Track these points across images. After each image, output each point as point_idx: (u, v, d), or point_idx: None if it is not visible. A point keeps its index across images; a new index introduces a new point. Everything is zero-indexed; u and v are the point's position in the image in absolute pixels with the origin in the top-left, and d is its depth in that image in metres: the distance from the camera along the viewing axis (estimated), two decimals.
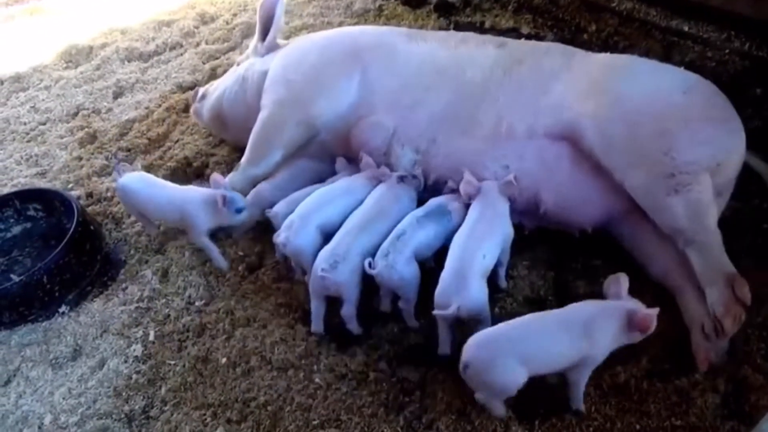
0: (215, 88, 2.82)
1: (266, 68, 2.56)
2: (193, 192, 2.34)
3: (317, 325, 2.06)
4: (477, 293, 1.86)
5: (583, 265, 2.23)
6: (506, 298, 2.11)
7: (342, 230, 2.08)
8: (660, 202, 1.93)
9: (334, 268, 1.96)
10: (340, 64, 2.42)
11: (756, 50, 2.99)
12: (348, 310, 2.02)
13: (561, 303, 2.09)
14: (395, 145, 2.31)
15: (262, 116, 2.45)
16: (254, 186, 2.45)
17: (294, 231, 2.09)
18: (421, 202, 2.22)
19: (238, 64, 2.79)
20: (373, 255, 2.00)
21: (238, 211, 2.25)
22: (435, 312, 1.85)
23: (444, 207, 2.12)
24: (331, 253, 1.99)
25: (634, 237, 2.13)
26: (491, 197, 2.05)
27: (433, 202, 2.15)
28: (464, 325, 1.90)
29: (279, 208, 2.27)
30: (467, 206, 2.10)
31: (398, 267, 1.95)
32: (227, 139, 2.93)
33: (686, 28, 3.20)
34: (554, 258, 2.25)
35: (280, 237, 2.10)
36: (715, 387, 1.75)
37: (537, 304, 2.11)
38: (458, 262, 1.90)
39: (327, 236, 2.11)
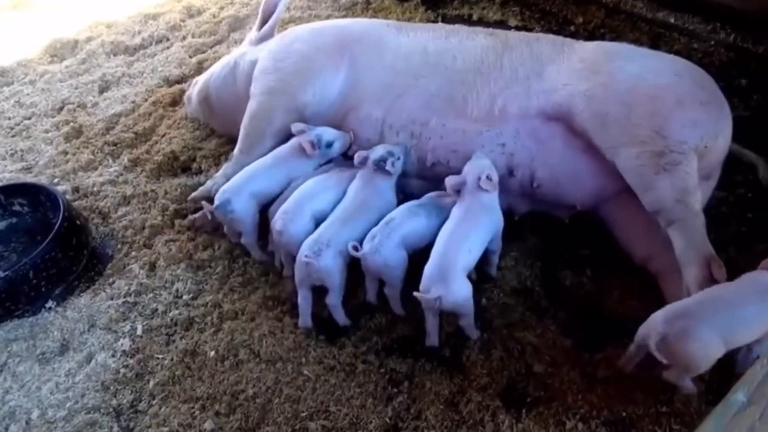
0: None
1: (257, 57, 2.57)
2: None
3: (305, 320, 2.06)
4: (459, 287, 1.87)
5: (570, 255, 2.24)
6: (493, 289, 2.12)
7: (327, 221, 2.08)
8: (648, 180, 1.96)
9: (318, 254, 1.96)
10: (328, 54, 2.43)
11: (741, 42, 3.02)
12: (333, 300, 2.03)
13: (548, 293, 2.12)
14: (388, 132, 2.32)
15: (251, 105, 2.46)
16: None
17: (289, 219, 2.08)
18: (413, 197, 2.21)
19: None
20: (360, 243, 2.00)
21: (329, 145, 2.28)
22: (415, 293, 1.85)
23: (439, 201, 2.12)
24: (315, 241, 1.99)
25: (620, 222, 2.16)
26: (476, 193, 2.04)
27: (428, 195, 2.16)
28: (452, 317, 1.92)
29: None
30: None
31: (384, 251, 1.95)
32: (213, 125, 2.93)
33: (672, 20, 3.23)
34: (541, 248, 2.27)
35: (276, 224, 2.09)
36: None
37: (524, 294, 2.12)
38: (442, 255, 1.91)
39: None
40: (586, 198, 2.18)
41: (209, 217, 2.29)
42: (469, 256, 1.94)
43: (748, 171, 2.32)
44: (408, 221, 2.03)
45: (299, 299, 2.05)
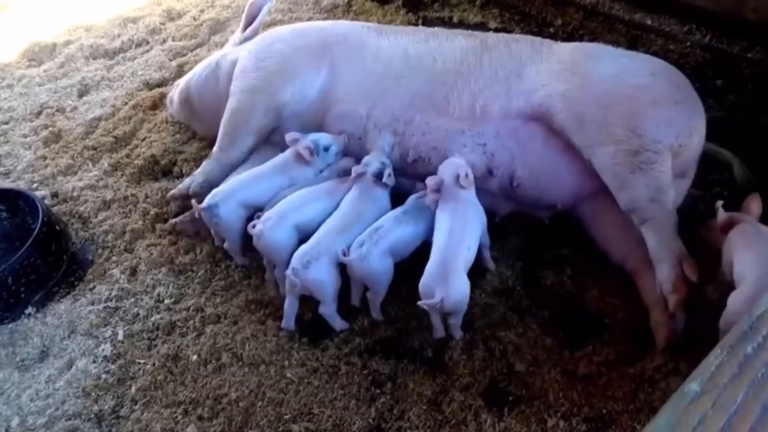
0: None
1: (238, 57, 2.57)
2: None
3: (288, 322, 2.06)
4: (461, 287, 1.88)
5: (550, 255, 2.26)
6: (475, 290, 2.12)
7: (320, 231, 2.06)
8: (623, 179, 1.99)
9: (306, 267, 1.94)
10: (309, 54, 2.44)
11: (716, 42, 3.07)
12: (326, 310, 2.02)
13: (529, 293, 2.14)
14: (371, 130, 2.33)
15: (231, 103, 2.46)
16: (229, 172, 2.44)
17: (269, 226, 2.06)
18: (396, 198, 2.23)
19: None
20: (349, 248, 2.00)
21: (327, 148, 2.28)
22: (420, 303, 1.85)
23: (423, 204, 2.12)
24: (304, 253, 1.98)
25: (597, 223, 2.20)
26: (455, 191, 2.06)
27: (411, 200, 2.16)
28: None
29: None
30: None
31: (371, 258, 1.95)
32: (194, 127, 2.92)
33: (649, 22, 3.27)
34: (522, 249, 2.29)
35: (255, 229, 2.07)
36: (678, 370, 1.80)
37: (506, 294, 2.14)
38: (442, 256, 1.91)
39: (304, 237, 2.09)
40: (565, 197, 2.21)
41: (197, 215, 2.26)
42: (468, 253, 1.96)
43: (724, 170, 2.36)
44: (396, 229, 2.03)
45: (285, 304, 2.05)
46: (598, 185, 2.09)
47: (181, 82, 2.89)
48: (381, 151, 2.27)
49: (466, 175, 2.04)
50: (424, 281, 1.89)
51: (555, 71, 2.19)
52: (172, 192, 2.49)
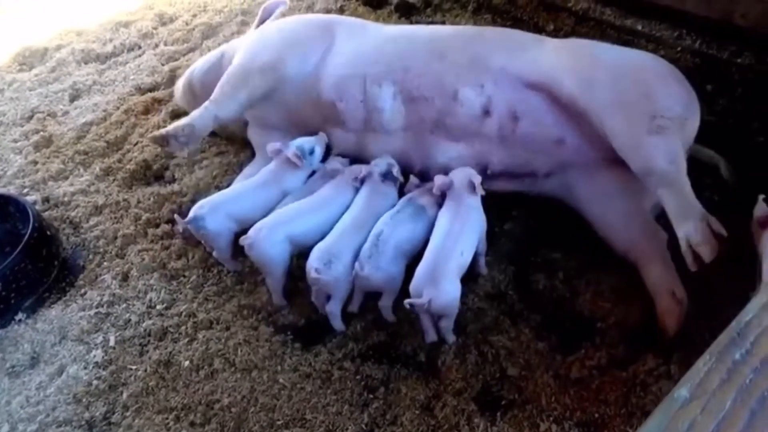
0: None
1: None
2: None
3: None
4: (450, 290, 1.88)
5: (542, 259, 2.26)
6: (467, 294, 2.12)
7: (336, 230, 2.06)
8: (640, 140, 1.98)
9: (329, 267, 1.95)
10: (313, 27, 2.55)
11: (706, 48, 3.08)
12: (334, 307, 2.02)
13: (521, 298, 2.15)
14: (371, 87, 2.33)
15: (231, 66, 2.49)
16: (215, 125, 2.45)
17: (261, 237, 2.05)
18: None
19: None
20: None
21: (312, 151, 2.29)
22: (407, 301, 1.85)
23: (415, 202, 2.13)
24: (326, 252, 1.97)
25: (601, 209, 2.18)
26: (462, 193, 2.07)
27: (403, 200, 2.16)
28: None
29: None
30: (438, 199, 2.13)
31: (383, 267, 1.95)
32: None
33: (640, 27, 3.29)
34: (514, 252, 2.29)
35: (246, 240, 2.06)
36: (669, 374, 1.80)
37: (498, 298, 2.14)
38: (434, 258, 1.92)
39: (297, 248, 2.11)
40: (563, 154, 2.21)
41: (180, 230, 2.27)
42: (461, 258, 1.96)
43: (715, 174, 2.37)
44: (396, 231, 2.02)
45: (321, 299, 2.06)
46: (596, 157, 2.15)
47: (187, 72, 2.91)
48: (387, 155, 2.30)
49: (478, 184, 2.09)
50: (415, 281, 1.89)
51: (558, 50, 2.26)
52: (153, 133, 2.43)
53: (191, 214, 2.17)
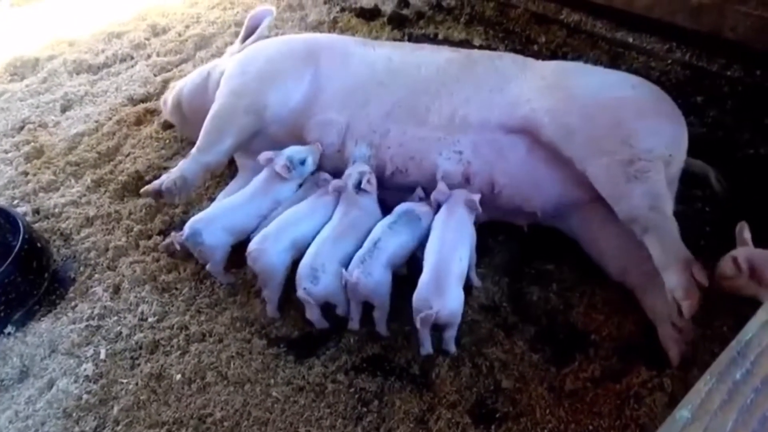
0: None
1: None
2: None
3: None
4: (456, 298, 1.88)
5: (536, 271, 2.27)
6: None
7: (315, 244, 2.06)
8: (620, 189, 1.97)
9: (316, 283, 1.96)
10: (293, 60, 2.47)
11: (696, 60, 3.12)
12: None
13: (515, 309, 2.14)
14: (348, 141, 2.33)
15: (214, 106, 2.45)
16: (206, 173, 2.43)
17: (266, 247, 2.04)
18: (382, 202, 2.24)
19: None
20: (346, 266, 1.99)
21: (303, 161, 2.27)
22: (418, 315, 1.83)
23: (413, 212, 2.13)
24: (309, 268, 1.98)
25: (594, 237, 2.18)
26: (457, 205, 2.09)
27: (401, 209, 2.16)
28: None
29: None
30: (435, 211, 2.14)
31: (375, 274, 1.95)
32: (184, 132, 2.93)
33: (631, 40, 3.33)
34: (508, 264, 2.29)
35: (252, 252, 2.05)
36: (662, 386, 1.80)
37: (492, 310, 2.14)
38: (436, 267, 1.92)
39: (298, 252, 2.10)
40: (547, 206, 2.21)
41: (177, 246, 2.27)
42: (461, 264, 1.97)
43: (706, 185, 2.39)
44: (393, 240, 2.03)
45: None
46: (584, 195, 2.11)
47: (177, 85, 2.90)
48: (361, 162, 2.28)
49: (476, 203, 2.11)
50: (419, 294, 1.87)
51: (538, 87, 2.22)
52: (145, 188, 2.41)
53: (187, 229, 2.16)
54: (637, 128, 2.03)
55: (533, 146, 2.17)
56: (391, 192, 2.30)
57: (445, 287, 1.87)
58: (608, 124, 2.05)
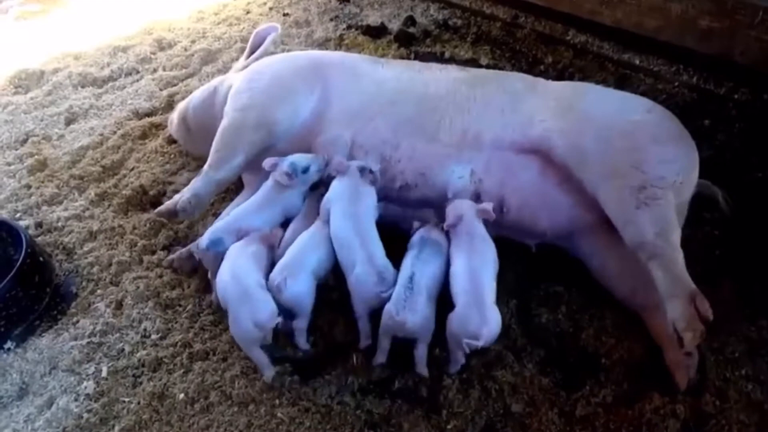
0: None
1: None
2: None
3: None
4: (497, 321, 1.86)
5: (545, 292, 2.24)
6: None
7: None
8: (629, 215, 1.96)
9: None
10: (302, 75, 2.47)
11: (704, 83, 3.13)
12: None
13: (525, 331, 2.11)
14: (357, 153, 2.31)
15: (223, 122, 2.43)
16: (218, 189, 2.42)
17: (288, 279, 1.98)
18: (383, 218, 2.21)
19: None
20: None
21: (305, 170, 2.24)
22: (465, 341, 1.79)
23: (431, 239, 2.09)
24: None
25: (601, 260, 2.17)
26: (472, 223, 2.06)
27: (417, 238, 2.11)
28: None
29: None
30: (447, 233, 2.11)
31: (420, 309, 1.89)
32: (190, 149, 2.91)
33: (638, 62, 3.34)
34: (516, 285, 2.26)
35: (275, 284, 1.98)
36: (675, 412, 1.77)
37: (502, 333, 2.09)
38: (473, 294, 1.88)
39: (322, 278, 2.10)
40: (556, 227, 2.20)
41: (197, 258, 2.24)
42: (492, 283, 1.94)
43: (714, 208, 2.37)
44: (426, 271, 1.98)
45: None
46: (594, 218, 2.09)
47: (182, 103, 2.89)
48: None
49: (489, 209, 2.08)
50: (466, 328, 1.82)
51: (551, 107, 2.21)
52: (159, 209, 2.39)
53: (206, 240, 2.14)
54: (650, 154, 2.03)
55: (545, 167, 2.16)
56: (394, 207, 2.29)
57: (486, 315, 1.83)
58: (623, 148, 2.04)
